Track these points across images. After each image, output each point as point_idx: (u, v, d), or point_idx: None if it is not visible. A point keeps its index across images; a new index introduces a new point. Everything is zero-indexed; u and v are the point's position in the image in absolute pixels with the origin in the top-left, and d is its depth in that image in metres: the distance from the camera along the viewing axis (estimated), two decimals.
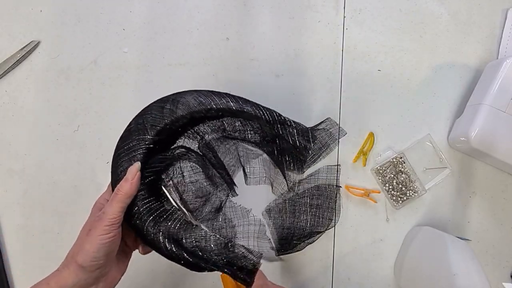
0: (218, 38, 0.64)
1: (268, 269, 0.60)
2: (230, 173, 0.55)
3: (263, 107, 0.49)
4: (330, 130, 0.54)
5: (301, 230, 0.57)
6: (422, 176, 0.60)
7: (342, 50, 0.63)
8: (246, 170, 0.57)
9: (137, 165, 0.44)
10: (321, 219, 0.57)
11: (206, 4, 0.64)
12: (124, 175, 0.44)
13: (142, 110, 0.48)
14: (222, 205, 0.55)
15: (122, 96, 0.63)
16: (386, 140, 0.62)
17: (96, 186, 0.62)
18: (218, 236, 0.48)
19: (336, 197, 0.57)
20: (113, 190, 0.44)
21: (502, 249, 0.60)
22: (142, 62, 0.64)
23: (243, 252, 0.47)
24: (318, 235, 0.57)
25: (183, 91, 0.48)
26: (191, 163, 0.51)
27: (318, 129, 0.53)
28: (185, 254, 0.44)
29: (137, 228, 0.44)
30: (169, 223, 0.46)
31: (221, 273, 0.46)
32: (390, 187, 0.60)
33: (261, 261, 0.47)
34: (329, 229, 0.57)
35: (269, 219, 0.59)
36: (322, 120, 0.54)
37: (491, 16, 0.63)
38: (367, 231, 0.61)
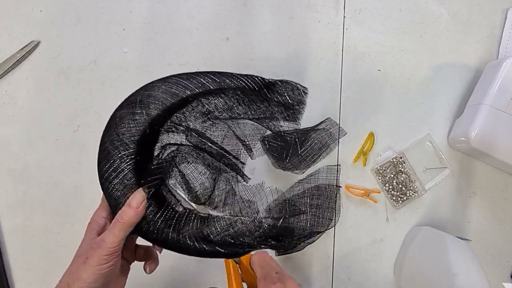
0: (218, 38, 0.64)
1: None
2: (236, 156, 0.52)
3: (242, 75, 0.45)
4: (330, 130, 0.54)
5: (301, 230, 0.57)
6: (422, 176, 0.60)
7: (342, 50, 0.63)
8: (248, 145, 0.55)
9: (142, 192, 0.41)
10: (321, 219, 0.57)
11: (206, 4, 0.64)
12: (124, 198, 0.41)
13: (109, 121, 0.43)
14: (235, 188, 0.51)
15: (122, 96, 0.63)
16: (386, 140, 0.62)
17: (96, 186, 0.62)
18: (242, 218, 0.46)
19: (336, 197, 0.56)
20: (112, 213, 0.42)
21: (502, 249, 0.60)
22: (142, 62, 0.64)
23: (269, 224, 0.46)
24: (318, 235, 0.57)
25: (148, 85, 0.44)
26: (188, 158, 0.48)
27: (318, 129, 0.53)
28: (219, 248, 0.43)
29: (160, 241, 0.43)
30: (190, 224, 0.44)
31: (224, 263, 0.46)
32: (390, 187, 0.60)
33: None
34: (329, 229, 0.57)
35: (269, 219, 0.59)
36: (322, 120, 0.54)
37: (491, 16, 0.63)
38: (367, 231, 0.61)
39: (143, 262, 0.45)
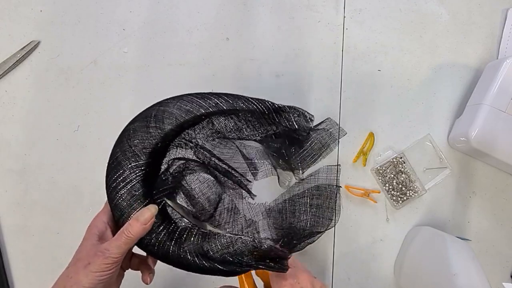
0: (218, 38, 0.64)
1: None
2: (242, 174, 0.53)
3: (254, 99, 0.47)
4: (330, 130, 0.54)
5: (301, 230, 0.57)
6: (422, 176, 0.60)
7: (342, 50, 0.63)
8: (254, 165, 0.56)
9: (153, 209, 0.41)
10: (321, 219, 0.57)
11: (206, 4, 0.64)
12: (129, 209, 0.41)
13: (122, 133, 0.44)
14: (238, 206, 0.53)
15: (122, 96, 0.63)
16: (386, 140, 0.62)
17: (96, 186, 0.62)
18: (243, 237, 0.46)
19: (336, 197, 0.56)
20: (116, 223, 0.42)
21: (502, 249, 0.60)
22: (142, 62, 0.64)
23: (270, 245, 0.46)
24: (318, 235, 0.57)
25: (163, 101, 0.46)
26: (195, 173, 0.49)
27: (318, 129, 0.53)
28: (217, 265, 0.43)
29: (160, 255, 0.43)
30: (192, 239, 0.45)
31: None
32: (390, 187, 0.60)
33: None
34: (329, 229, 0.57)
35: (269, 219, 0.59)
36: (322, 120, 0.54)
37: (491, 16, 0.63)
38: (367, 231, 0.61)
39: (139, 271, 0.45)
